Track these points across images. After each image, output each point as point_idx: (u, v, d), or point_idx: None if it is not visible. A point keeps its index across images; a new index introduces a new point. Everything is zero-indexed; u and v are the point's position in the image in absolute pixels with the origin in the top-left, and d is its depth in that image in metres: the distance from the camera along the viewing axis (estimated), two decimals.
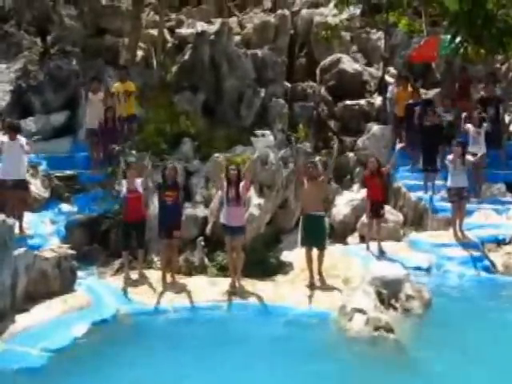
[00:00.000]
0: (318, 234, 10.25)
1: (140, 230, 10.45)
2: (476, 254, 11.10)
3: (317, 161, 12.08)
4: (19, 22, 18.10)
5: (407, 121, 14.86)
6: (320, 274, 10.17)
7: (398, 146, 12.51)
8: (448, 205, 12.09)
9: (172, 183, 10.28)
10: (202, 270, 10.72)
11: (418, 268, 10.70)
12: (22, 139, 11.12)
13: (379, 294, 9.04)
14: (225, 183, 9.96)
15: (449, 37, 14.90)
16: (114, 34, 18.51)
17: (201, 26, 20.26)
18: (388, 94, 16.39)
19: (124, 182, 10.57)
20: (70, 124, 15.09)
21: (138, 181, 10.54)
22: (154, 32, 18.83)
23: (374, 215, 11.54)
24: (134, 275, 10.34)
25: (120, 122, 13.89)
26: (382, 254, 11.15)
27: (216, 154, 11.71)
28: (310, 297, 9.62)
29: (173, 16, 21.63)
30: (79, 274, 10.12)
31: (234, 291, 9.75)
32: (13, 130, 11.02)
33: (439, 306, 9.23)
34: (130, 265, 10.45)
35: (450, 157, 11.90)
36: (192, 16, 21.89)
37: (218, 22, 20.40)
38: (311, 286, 9.97)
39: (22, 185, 11.15)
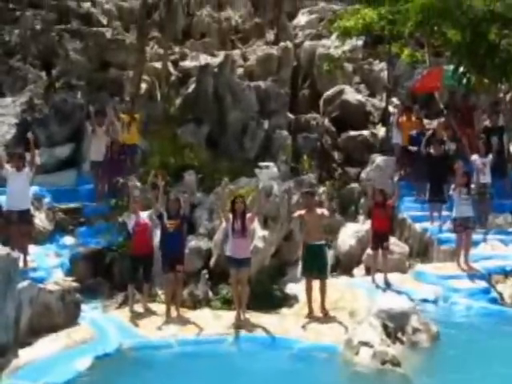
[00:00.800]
0: (318, 263, 10.13)
1: (147, 264, 10.38)
2: (483, 285, 11.00)
3: (314, 190, 12.03)
4: (25, 56, 18.34)
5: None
6: (323, 307, 10.03)
7: (396, 177, 12.55)
8: (454, 235, 12.01)
9: (174, 214, 10.22)
10: (206, 303, 10.63)
11: (425, 300, 10.58)
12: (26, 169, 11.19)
13: (386, 327, 8.93)
14: (230, 215, 9.93)
15: (452, 67, 15.05)
16: (118, 68, 18.73)
17: (204, 58, 20.46)
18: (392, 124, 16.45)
19: (131, 214, 10.50)
20: (74, 157, 15.16)
21: (145, 213, 10.51)
22: (158, 65, 19.02)
23: (378, 247, 11.46)
24: (139, 308, 10.26)
25: (123, 151, 13.91)
26: (388, 286, 11.05)
27: (223, 181, 11.69)
28: (316, 330, 9.50)
29: (176, 49, 21.84)
30: (83, 307, 10.04)
31: (238, 324, 9.64)
32: (19, 160, 11.08)
33: (447, 339, 9.10)
34: (134, 298, 10.37)
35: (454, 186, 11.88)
36: (195, 49, 22.10)
37: (221, 54, 20.63)
38: (311, 317, 9.86)
39: (27, 217, 11.18)
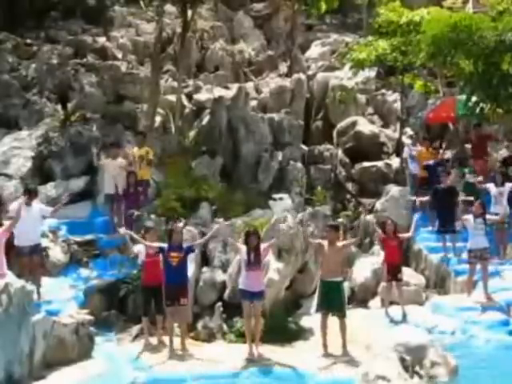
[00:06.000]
0: (335, 300, 9.87)
1: (158, 295, 10.30)
2: (502, 317, 10.81)
3: (338, 223, 11.87)
4: (41, 89, 18.57)
5: (428, 181, 14.80)
6: (344, 345, 9.78)
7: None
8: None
9: (177, 246, 10.07)
10: (220, 336, 10.54)
11: (443, 333, 10.43)
12: (41, 205, 11.24)
13: (403, 361, 8.75)
14: (243, 248, 9.86)
15: (465, 97, 15.07)
16: (132, 101, 18.91)
17: (218, 91, 20.62)
18: (404, 155, 16.39)
19: (137, 245, 10.45)
20: (89, 189, 15.23)
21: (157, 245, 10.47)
22: (172, 98, 19.18)
23: (392, 279, 11.36)
24: (153, 341, 10.17)
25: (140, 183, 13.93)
26: (405, 319, 10.91)
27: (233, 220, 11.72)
28: (332, 363, 9.37)
29: (190, 82, 22.06)
30: (97, 339, 10.01)
31: (253, 358, 9.53)
32: (29, 195, 11.12)
33: (466, 373, 8.88)
34: (149, 331, 10.30)
35: (467, 216, 11.75)
36: (209, 81, 22.31)
37: (234, 87, 20.80)
38: (326, 355, 9.67)
39: (38, 250, 11.23)
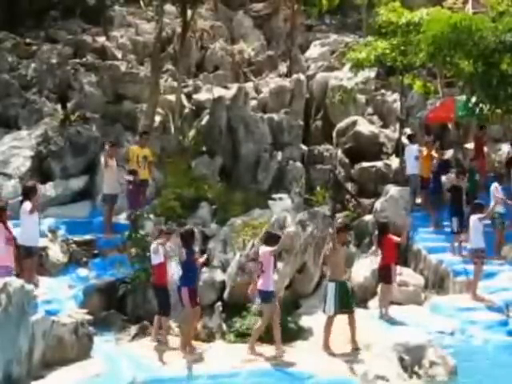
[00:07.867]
0: (351, 298, 10.09)
1: (168, 295, 10.36)
2: (500, 317, 10.82)
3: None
4: (41, 89, 18.58)
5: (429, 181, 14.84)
6: (354, 339, 9.85)
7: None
8: (470, 266, 11.89)
9: (194, 248, 10.26)
10: (220, 335, 10.54)
11: (441, 333, 10.43)
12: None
13: (402, 361, 8.79)
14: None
15: (464, 97, 15.09)
16: (132, 100, 18.92)
17: (217, 91, 20.62)
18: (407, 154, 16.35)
19: (160, 247, 10.40)
20: (88, 189, 15.24)
21: (171, 245, 10.51)
22: (172, 98, 19.19)
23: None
24: (153, 342, 10.17)
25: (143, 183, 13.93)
26: (389, 318, 10.97)
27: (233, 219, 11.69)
28: (331, 363, 9.37)
29: (190, 82, 22.07)
30: (96, 339, 9.98)
31: (253, 358, 9.54)
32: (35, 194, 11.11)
33: (465, 373, 8.92)
34: (146, 331, 10.30)
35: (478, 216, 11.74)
36: (209, 81, 22.32)
37: (234, 86, 20.80)
38: (327, 354, 9.70)
39: (39, 249, 11.26)
